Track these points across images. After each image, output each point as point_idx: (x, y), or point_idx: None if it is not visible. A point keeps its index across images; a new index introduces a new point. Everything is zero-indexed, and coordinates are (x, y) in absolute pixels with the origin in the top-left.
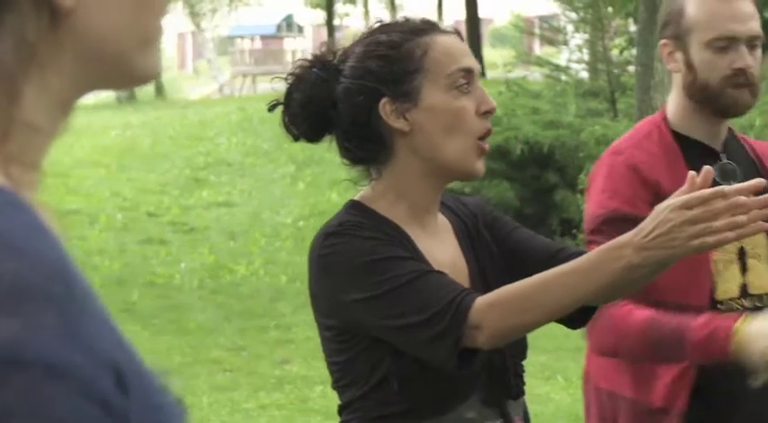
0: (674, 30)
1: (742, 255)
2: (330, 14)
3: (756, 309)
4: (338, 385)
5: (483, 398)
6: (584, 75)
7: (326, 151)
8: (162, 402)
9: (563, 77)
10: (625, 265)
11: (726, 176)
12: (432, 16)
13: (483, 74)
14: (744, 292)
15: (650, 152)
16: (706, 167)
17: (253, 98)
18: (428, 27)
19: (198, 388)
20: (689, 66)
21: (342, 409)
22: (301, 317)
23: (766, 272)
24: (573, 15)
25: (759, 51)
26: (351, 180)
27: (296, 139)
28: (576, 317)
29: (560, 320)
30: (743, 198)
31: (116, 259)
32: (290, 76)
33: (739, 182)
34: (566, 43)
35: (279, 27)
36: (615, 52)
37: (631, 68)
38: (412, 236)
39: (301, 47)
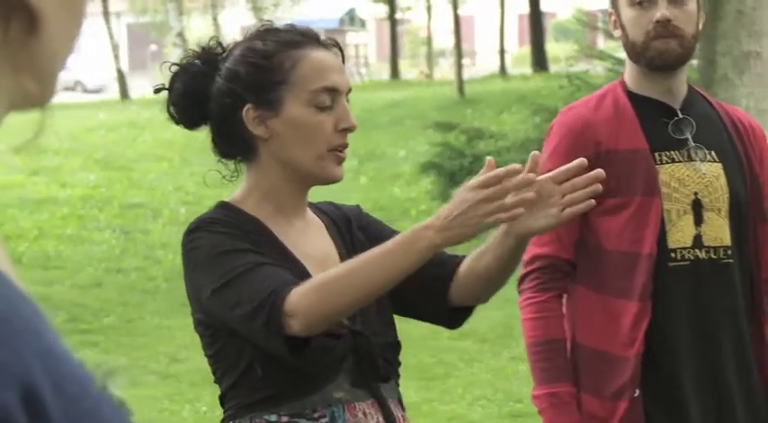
0: None
1: (697, 206)
2: (392, 8)
3: (711, 261)
4: (216, 377)
5: (351, 380)
6: None
7: (389, 146)
8: (97, 405)
9: None
10: (428, 245)
11: (679, 132)
12: (494, 11)
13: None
14: (698, 242)
15: (599, 112)
16: (579, 160)
17: None
18: (305, 40)
19: None
20: (622, 27)
21: (221, 401)
22: None
23: (725, 226)
24: None
25: (690, 5)
26: (219, 171)
27: (176, 123)
28: (454, 316)
29: (438, 322)
30: (531, 175)
31: (179, 253)
32: (173, 66)
33: (693, 135)
34: None
35: (341, 21)
36: None
37: (694, 62)
38: (278, 232)
39: (364, 41)
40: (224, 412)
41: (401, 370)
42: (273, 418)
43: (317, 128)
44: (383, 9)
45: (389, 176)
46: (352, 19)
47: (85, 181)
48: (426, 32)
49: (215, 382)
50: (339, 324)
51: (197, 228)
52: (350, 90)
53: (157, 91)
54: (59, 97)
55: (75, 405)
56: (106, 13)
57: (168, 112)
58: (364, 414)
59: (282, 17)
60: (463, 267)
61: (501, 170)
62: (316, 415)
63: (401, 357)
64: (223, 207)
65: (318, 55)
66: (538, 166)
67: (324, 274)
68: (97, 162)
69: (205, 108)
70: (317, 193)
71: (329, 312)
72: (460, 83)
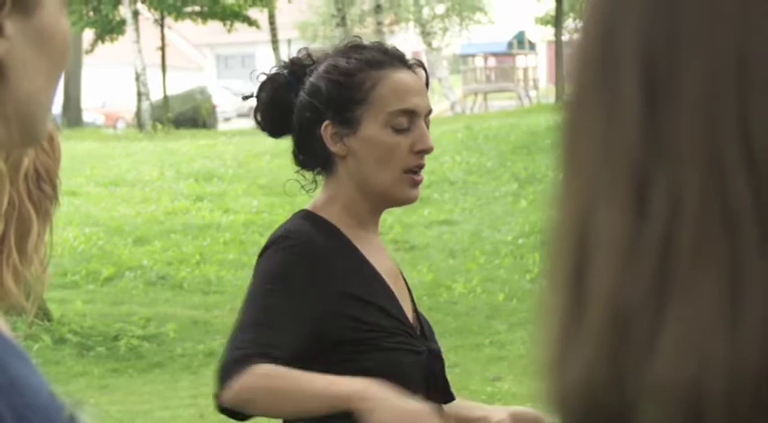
0: None
1: None
2: (558, 29)
3: None
4: None
5: (422, 398)
6: None
7: (550, 169)
8: None
9: None
10: (350, 406)
11: None
12: None
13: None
14: None
15: None
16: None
17: (481, 116)
18: (388, 60)
19: None
20: None
21: None
22: (517, 334)
23: None
24: None
25: None
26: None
27: (262, 131)
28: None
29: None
30: None
31: None
32: (262, 75)
33: None
34: None
35: (510, 44)
36: None
37: None
38: (358, 243)
39: (533, 64)
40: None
41: None
42: None
43: (393, 149)
44: (552, 32)
45: (550, 199)
46: (521, 42)
47: (248, 206)
48: None
49: None
50: (418, 340)
51: (275, 243)
52: (430, 112)
53: (246, 98)
54: (232, 124)
55: None
56: (275, 41)
57: (255, 119)
58: None
59: (451, 42)
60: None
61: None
62: None
63: None
64: (305, 217)
65: (400, 76)
66: None
67: (286, 377)
68: (261, 188)
69: (288, 118)
70: (474, 215)
71: (256, 408)
72: None
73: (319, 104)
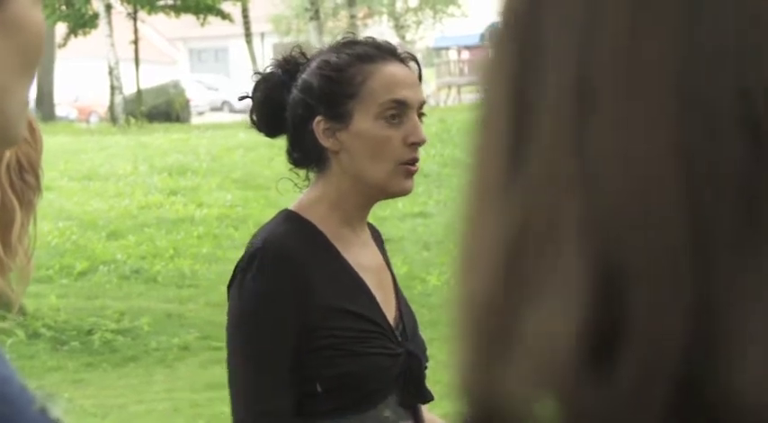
0: None
1: None
2: None
3: None
4: None
5: (398, 399)
6: None
7: None
8: None
9: None
10: None
11: None
12: None
13: None
14: None
15: None
16: None
17: (455, 109)
18: (379, 53)
19: None
20: None
21: None
22: None
23: None
24: None
25: None
26: (292, 180)
27: (258, 131)
28: None
29: None
30: None
31: None
32: (256, 75)
33: None
34: None
35: (483, 37)
36: None
37: None
38: (341, 245)
39: None
40: None
41: None
42: None
43: (385, 142)
44: None
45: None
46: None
47: (222, 200)
48: None
49: None
50: (396, 343)
51: (252, 260)
52: (422, 104)
53: (242, 99)
54: (205, 118)
55: None
56: (248, 35)
57: (251, 119)
58: None
59: (425, 35)
60: None
61: None
62: None
63: None
64: (287, 218)
65: (390, 69)
66: None
67: None
68: (235, 182)
69: (283, 117)
70: (449, 208)
71: None
72: None
73: (311, 100)
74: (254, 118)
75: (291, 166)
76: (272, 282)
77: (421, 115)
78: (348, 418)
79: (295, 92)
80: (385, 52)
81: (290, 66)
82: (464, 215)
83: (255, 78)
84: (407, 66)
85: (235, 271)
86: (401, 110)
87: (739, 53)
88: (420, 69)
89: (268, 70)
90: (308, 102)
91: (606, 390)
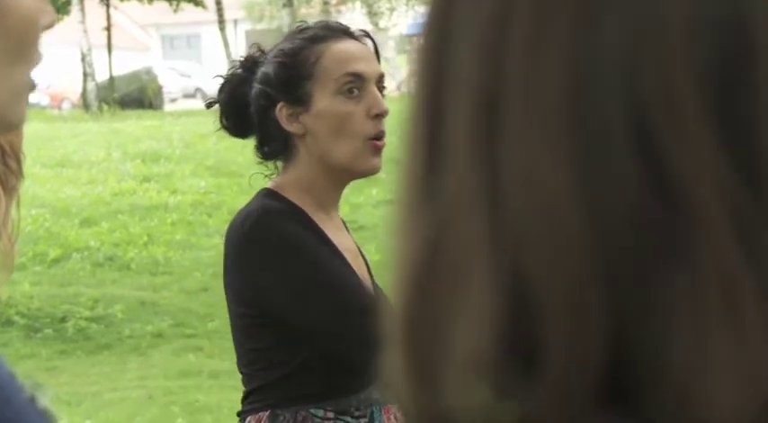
0: None
1: None
2: None
3: None
4: (252, 369)
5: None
6: None
7: None
8: (19, 413)
9: None
10: None
11: None
12: None
13: None
14: None
15: None
16: None
17: None
18: (331, 33)
19: None
20: None
21: (256, 390)
22: None
23: None
24: None
25: None
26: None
27: (231, 135)
28: None
29: None
30: None
31: None
32: (218, 77)
33: None
34: None
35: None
36: None
37: None
38: (320, 225)
39: None
40: (253, 402)
41: None
42: (320, 413)
43: (348, 117)
44: None
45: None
46: None
47: (196, 187)
48: None
49: (243, 372)
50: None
51: (262, 217)
52: (382, 77)
53: (209, 105)
54: (179, 105)
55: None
56: (221, 22)
57: (221, 123)
58: (396, 418)
59: (398, 22)
60: None
61: None
62: (357, 414)
63: None
64: (272, 196)
65: (341, 45)
66: None
67: None
68: (208, 168)
69: (249, 114)
70: None
71: None
72: None
73: (270, 89)
74: (224, 121)
75: (260, 159)
76: (288, 224)
77: (381, 88)
78: (338, 401)
79: (255, 85)
80: (336, 31)
81: (248, 63)
82: (391, 227)
83: (229, 69)
84: (361, 42)
85: (231, 247)
86: (359, 83)
87: (627, 68)
88: (375, 45)
89: (229, 72)
90: (267, 91)
91: (534, 395)
